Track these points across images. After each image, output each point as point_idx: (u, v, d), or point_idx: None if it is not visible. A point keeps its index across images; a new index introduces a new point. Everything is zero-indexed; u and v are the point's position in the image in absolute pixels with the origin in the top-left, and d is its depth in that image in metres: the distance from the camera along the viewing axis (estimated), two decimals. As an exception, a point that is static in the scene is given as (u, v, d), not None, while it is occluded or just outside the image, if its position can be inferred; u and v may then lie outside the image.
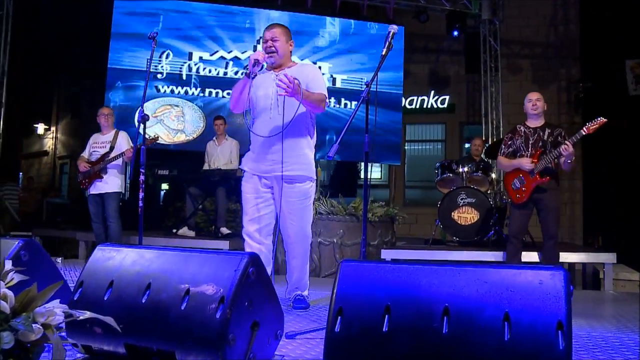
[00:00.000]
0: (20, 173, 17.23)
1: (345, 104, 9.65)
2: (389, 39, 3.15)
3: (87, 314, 1.96)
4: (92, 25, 10.18)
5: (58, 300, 1.97)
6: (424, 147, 13.47)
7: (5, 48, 8.55)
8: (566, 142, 4.68)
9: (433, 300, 1.86)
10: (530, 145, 4.94)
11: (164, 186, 10.02)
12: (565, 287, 1.81)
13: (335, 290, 2.01)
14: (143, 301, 2.35)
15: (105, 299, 2.45)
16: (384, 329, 1.86)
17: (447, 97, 12.58)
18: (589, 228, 11.52)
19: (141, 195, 3.59)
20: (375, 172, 13.81)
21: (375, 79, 3.07)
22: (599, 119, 4.58)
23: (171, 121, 9.07)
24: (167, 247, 2.84)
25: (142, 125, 3.81)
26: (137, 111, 3.76)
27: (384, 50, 3.14)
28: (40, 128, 16.67)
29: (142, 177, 3.57)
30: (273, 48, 3.48)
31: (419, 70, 12.88)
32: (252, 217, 3.52)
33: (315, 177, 3.60)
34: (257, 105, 3.54)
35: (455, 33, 10.00)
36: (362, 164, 12.23)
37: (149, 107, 8.82)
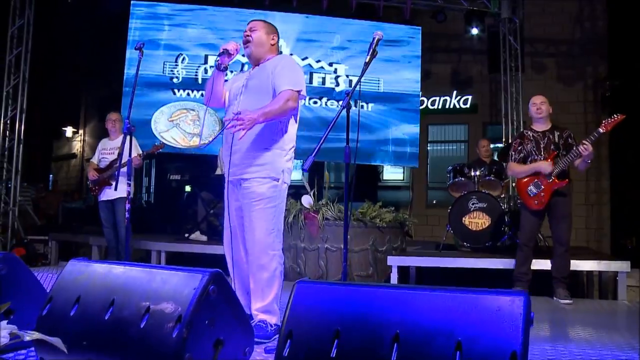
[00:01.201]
0: (51, 175, 17.61)
1: (362, 106, 9.54)
2: (373, 46, 3.05)
3: (35, 335, 1.93)
4: (114, 30, 10.28)
5: (5, 322, 1.95)
6: (446, 147, 13.26)
7: (26, 56, 8.68)
8: (584, 141, 4.50)
9: (384, 325, 1.77)
10: (542, 149, 4.79)
11: (177, 190, 10.09)
12: (523, 314, 1.71)
13: (287, 312, 1.93)
14: (106, 318, 2.33)
15: (72, 314, 2.43)
16: (332, 354, 1.78)
17: (470, 97, 12.36)
18: (617, 230, 11.18)
19: (128, 206, 3.56)
20: (397, 173, 13.66)
21: (359, 86, 2.96)
22: (616, 116, 4.42)
23: (187, 125, 9.09)
24: (140, 263, 2.81)
25: (128, 138, 3.78)
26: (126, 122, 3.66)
27: (368, 57, 3.04)
28: (69, 131, 16.97)
29: (128, 189, 3.55)
30: (249, 37, 3.31)
31: (440, 70, 12.68)
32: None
33: (280, 177, 3.25)
34: (228, 107, 3.41)
35: (475, 31, 9.76)
36: (383, 167, 12.09)
37: (164, 111, 8.88)
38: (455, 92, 12.44)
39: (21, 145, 8.63)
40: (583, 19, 11.97)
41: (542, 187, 4.73)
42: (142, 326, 2.21)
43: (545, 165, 4.71)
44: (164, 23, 9.21)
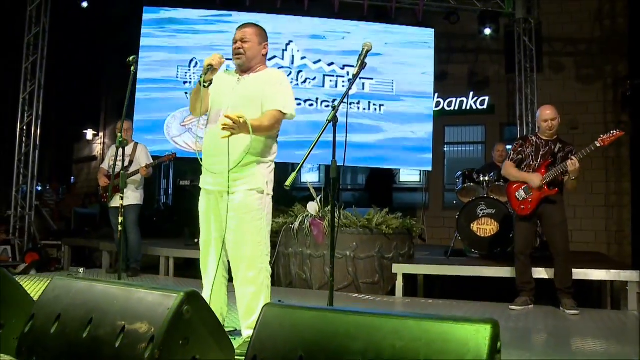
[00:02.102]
0: (72, 177, 17.88)
1: (375, 109, 9.48)
2: (362, 57, 3.00)
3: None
4: (130, 34, 10.37)
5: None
6: (463, 149, 13.11)
7: (42, 63, 8.81)
8: (572, 157, 4.46)
9: (348, 352, 1.74)
10: (540, 156, 4.74)
11: (191, 194, 10.11)
12: (490, 345, 1.65)
13: (253, 337, 1.91)
14: (84, 336, 2.33)
15: (52, 332, 2.44)
16: (295, 381, 1.75)
17: (487, 98, 12.18)
18: (638, 232, 10.92)
19: (120, 220, 3.56)
20: (414, 175, 13.53)
21: (347, 99, 2.92)
22: (614, 131, 4.33)
23: (200, 130, 9.13)
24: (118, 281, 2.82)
25: (120, 150, 3.78)
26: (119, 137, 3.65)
27: (356, 69, 2.99)
28: (89, 134, 17.20)
29: (122, 202, 3.54)
30: (241, 50, 3.24)
31: (457, 71, 12.55)
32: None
33: (264, 188, 3.18)
34: (211, 111, 3.29)
35: (488, 31, 9.63)
36: (399, 169, 11.94)
37: (177, 116, 8.94)
38: (472, 93, 12.28)
39: (37, 151, 8.76)
40: (603, 16, 11.72)
41: (531, 193, 4.68)
42: (117, 346, 2.20)
43: (535, 180, 4.65)
44: (176, 28, 9.28)
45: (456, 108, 12.41)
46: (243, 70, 3.30)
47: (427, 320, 1.75)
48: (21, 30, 8.74)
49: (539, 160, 4.73)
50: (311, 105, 9.29)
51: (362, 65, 3.02)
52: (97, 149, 17.12)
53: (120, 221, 3.67)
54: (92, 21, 10.96)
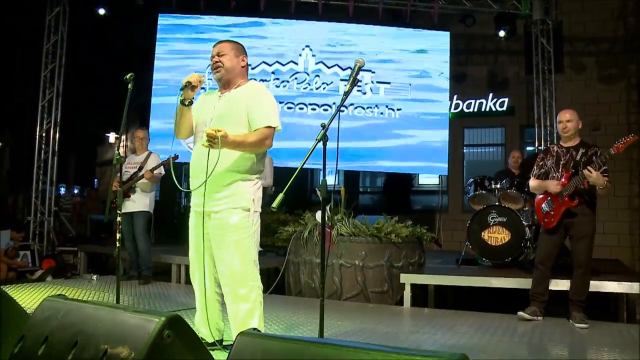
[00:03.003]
0: (96, 180, 18.18)
1: (390, 113, 9.44)
2: (354, 73, 2.97)
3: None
4: (149, 39, 10.50)
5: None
6: (483, 151, 12.96)
7: (60, 71, 8.96)
8: (589, 167, 4.33)
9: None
10: (561, 166, 4.62)
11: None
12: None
13: (224, 367, 1.91)
14: (69, 359, 2.35)
15: (39, 354, 2.46)
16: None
17: (507, 100, 12.03)
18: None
19: (118, 236, 3.58)
20: (432, 177, 13.44)
21: (338, 115, 2.90)
22: (629, 136, 4.22)
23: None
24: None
25: (117, 167, 3.80)
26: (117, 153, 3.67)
27: (348, 86, 2.96)
28: (112, 137, 17.45)
29: (118, 219, 3.56)
30: (219, 63, 3.23)
31: (476, 72, 12.42)
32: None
33: (250, 206, 3.16)
34: (195, 132, 3.30)
35: (502, 33, 9.50)
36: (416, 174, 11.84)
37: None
38: (491, 95, 12.13)
39: (55, 157, 8.91)
40: (627, 14, 11.48)
41: (553, 205, 4.57)
42: (98, 370, 2.22)
43: (552, 186, 4.55)
44: (191, 34, 9.36)
45: (475, 110, 12.27)
46: (223, 85, 3.30)
47: (393, 352, 1.72)
48: (40, 39, 8.90)
49: (560, 171, 4.61)
50: (326, 110, 9.29)
51: (354, 82, 2.99)
52: (120, 152, 17.35)
53: (118, 237, 3.70)
54: (111, 27, 11.08)
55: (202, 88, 3.47)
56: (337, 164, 3.24)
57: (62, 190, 20.95)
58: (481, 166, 12.45)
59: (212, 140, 2.88)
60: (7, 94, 14.39)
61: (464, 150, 12.90)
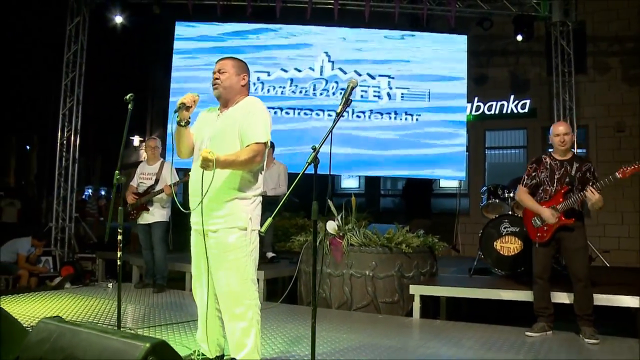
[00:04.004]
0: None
1: (406, 118, 9.39)
2: (347, 94, 2.96)
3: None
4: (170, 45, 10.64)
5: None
6: (505, 153, 12.81)
7: (80, 79, 9.13)
8: (591, 188, 4.25)
9: None
10: (555, 180, 4.52)
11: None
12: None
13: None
14: (59, 384, 2.41)
15: (32, 377, 2.54)
16: None
17: (528, 101, 11.88)
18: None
19: (119, 254, 3.63)
20: (454, 180, 13.32)
21: (330, 136, 2.89)
22: (636, 163, 4.13)
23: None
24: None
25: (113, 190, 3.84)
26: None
27: (340, 107, 2.95)
28: (136, 140, 17.73)
29: (119, 237, 3.60)
30: (218, 81, 3.25)
31: (497, 74, 12.30)
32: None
33: (247, 225, 3.17)
34: (195, 151, 3.32)
35: (520, 37, 9.36)
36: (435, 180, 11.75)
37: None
38: (512, 96, 11.98)
39: (76, 164, 9.09)
40: (653, 11, 11.21)
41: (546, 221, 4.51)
42: (85, 396, 2.27)
43: (549, 217, 4.45)
44: (207, 42, 9.45)
45: (497, 112, 12.15)
46: (222, 103, 3.31)
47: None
48: (61, 49, 9.07)
49: (554, 185, 4.52)
50: (343, 116, 9.24)
51: (347, 103, 2.98)
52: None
53: (119, 255, 3.75)
54: (133, 34, 11.24)
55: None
56: (329, 169, 3.20)
57: (89, 192, 21.40)
58: (503, 168, 12.33)
59: (207, 163, 2.90)
60: (32, 99, 14.74)
61: (486, 153, 12.77)
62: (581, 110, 11.28)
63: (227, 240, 3.15)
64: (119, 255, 3.66)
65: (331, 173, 9.89)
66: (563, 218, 4.41)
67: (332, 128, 2.95)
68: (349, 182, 14.54)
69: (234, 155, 3.07)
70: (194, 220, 3.29)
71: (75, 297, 6.08)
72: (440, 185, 13.36)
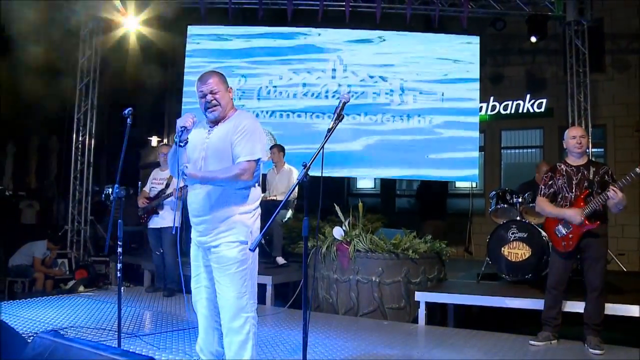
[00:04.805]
0: (140, 182, 18.71)
1: (419, 121, 9.35)
2: (338, 110, 2.95)
3: None
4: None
5: None
6: (521, 152, 12.66)
7: (94, 84, 9.25)
8: (613, 187, 4.17)
9: None
10: (574, 186, 4.45)
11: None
12: None
13: None
14: (50, 401, 2.46)
15: (26, 393, 2.59)
16: None
17: (545, 101, 11.69)
18: None
19: (118, 266, 3.67)
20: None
21: (321, 153, 2.89)
22: None
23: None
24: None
25: (114, 201, 3.88)
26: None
27: (332, 123, 2.94)
28: (154, 140, 17.91)
29: (119, 250, 3.64)
30: (215, 101, 3.22)
31: (513, 73, 12.14)
32: None
33: (248, 239, 3.20)
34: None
35: (534, 39, 9.25)
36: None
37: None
38: (528, 96, 11.82)
39: (91, 168, 9.21)
40: (676, 6, 10.97)
41: (571, 228, 4.41)
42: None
43: (574, 216, 4.35)
44: (219, 45, 9.51)
45: (512, 111, 12.00)
46: (218, 120, 3.31)
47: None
48: (75, 55, 9.20)
49: (574, 191, 4.44)
50: (354, 118, 9.29)
51: (340, 118, 2.97)
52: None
53: (119, 267, 3.80)
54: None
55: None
56: (321, 172, 3.21)
57: (110, 190, 21.63)
58: (519, 168, 12.18)
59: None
60: (51, 102, 14.96)
61: (502, 153, 12.64)
62: (599, 110, 11.10)
63: (229, 254, 3.18)
64: (119, 267, 3.69)
65: (343, 176, 9.94)
66: (587, 222, 4.34)
67: (324, 144, 2.94)
68: (364, 183, 14.51)
69: (217, 173, 3.14)
70: (195, 234, 3.34)
71: (86, 302, 6.18)
72: (456, 186, 13.25)
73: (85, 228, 9.01)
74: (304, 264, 2.97)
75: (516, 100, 11.94)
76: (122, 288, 6.83)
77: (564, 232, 4.48)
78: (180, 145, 3.16)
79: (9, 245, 8.72)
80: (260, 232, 3.13)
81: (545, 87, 11.79)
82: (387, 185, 13.87)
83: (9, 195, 17.74)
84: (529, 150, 12.54)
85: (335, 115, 3.00)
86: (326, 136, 2.97)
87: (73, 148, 9.15)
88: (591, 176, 4.43)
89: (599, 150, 11.61)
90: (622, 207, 4.30)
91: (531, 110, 11.84)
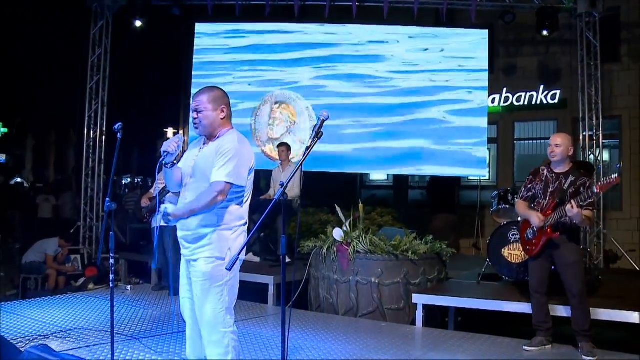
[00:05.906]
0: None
1: (427, 114, 9.33)
2: (318, 127, 2.97)
3: None
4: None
5: None
6: (534, 144, 12.51)
7: (105, 82, 9.36)
8: (572, 202, 4.13)
9: None
10: (548, 194, 4.44)
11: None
12: None
13: None
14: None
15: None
16: None
17: (559, 92, 11.55)
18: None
19: (111, 277, 3.73)
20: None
21: (301, 168, 2.93)
22: (613, 177, 4.01)
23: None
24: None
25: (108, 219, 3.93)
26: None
27: (310, 140, 2.96)
28: (170, 132, 18.12)
29: (111, 261, 3.69)
30: (197, 120, 3.26)
31: (526, 64, 12.00)
32: None
33: (225, 256, 3.20)
34: (183, 183, 3.38)
35: (545, 33, 9.11)
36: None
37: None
38: (542, 87, 11.68)
39: (102, 165, 9.35)
40: (694, -7, 10.70)
41: (536, 234, 4.46)
42: None
43: (535, 219, 4.38)
44: (226, 41, 9.56)
45: (526, 103, 11.89)
46: (206, 136, 3.35)
47: None
48: (85, 53, 9.32)
49: (547, 198, 4.44)
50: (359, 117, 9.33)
51: (319, 136, 2.98)
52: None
53: (112, 278, 3.85)
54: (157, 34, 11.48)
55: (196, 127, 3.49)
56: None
57: (127, 180, 22.01)
58: (532, 160, 12.05)
59: (167, 218, 3.12)
60: (67, 95, 15.25)
61: (515, 144, 12.53)
62: (614, 100, 10.94)
63: (204, 270, 3.21)
64: (111, 278, 3.75)
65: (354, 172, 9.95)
66: (550, 232, 4.34)
67: (302, 162, 2.97)
68: (377, 175, 14.50)
69: (195, 202, 3.15)
70: (182, 248, 3.40)
71: (94, 301, 6.31)
72: (469, 178, 13.19)
73: (97, 224, 9.17)
74: (282, 280, 2.97)
75: (529, 92, 11.82)
76: (129, 287, 7.06)
77: (530, 236, 4.54)
78: (167, 167, 3.20)
79: (25, 241, 8.96)
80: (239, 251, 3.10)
81: (559, 77, 11.63)
82: (400, 177, 13.85)
83: (27, 188, 18.15)
84: (543, 141, 12.38)
85: (314, 133, 3.01)
86: (305, 154, 2.99)
87: (84, 145, 9.28)
88: (566, 186, 4.39)
89: (614, 141, 11.45)
90: (582, 221, 4.25)
91: (545, 102, 11.71)
